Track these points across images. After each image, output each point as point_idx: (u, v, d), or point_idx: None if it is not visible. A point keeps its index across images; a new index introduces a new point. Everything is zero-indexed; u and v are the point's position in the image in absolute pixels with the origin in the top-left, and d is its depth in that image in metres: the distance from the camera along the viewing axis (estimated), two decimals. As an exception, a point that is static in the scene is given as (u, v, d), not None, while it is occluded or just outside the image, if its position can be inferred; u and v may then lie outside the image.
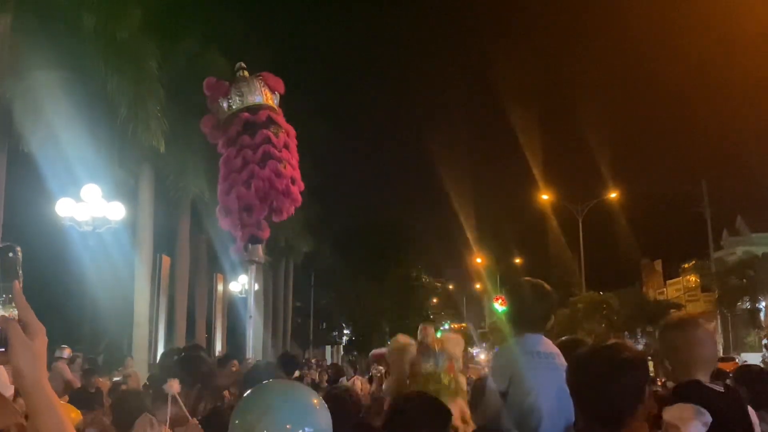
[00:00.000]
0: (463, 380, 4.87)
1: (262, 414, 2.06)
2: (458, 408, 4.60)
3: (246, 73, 6.17)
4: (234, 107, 5.96)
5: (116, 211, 14.47)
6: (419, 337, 4.85)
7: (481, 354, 37.63)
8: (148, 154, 16.50)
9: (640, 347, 36.10)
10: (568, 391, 3.80)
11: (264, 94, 6.18)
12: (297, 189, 5.93)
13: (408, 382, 4.74)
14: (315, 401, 2.16)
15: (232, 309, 27.71)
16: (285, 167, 5.80)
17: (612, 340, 2.92)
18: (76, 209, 13.90)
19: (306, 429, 2.04)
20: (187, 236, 21.61)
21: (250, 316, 6.03)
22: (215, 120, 6.05)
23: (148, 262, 18.40)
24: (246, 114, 5.93)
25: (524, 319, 3.96)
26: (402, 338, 4.88)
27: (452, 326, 58.86)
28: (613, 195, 39.24)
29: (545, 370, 3.77)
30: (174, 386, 2.93)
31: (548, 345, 3.95)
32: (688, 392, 2.83)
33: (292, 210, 5.98)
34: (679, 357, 3.03)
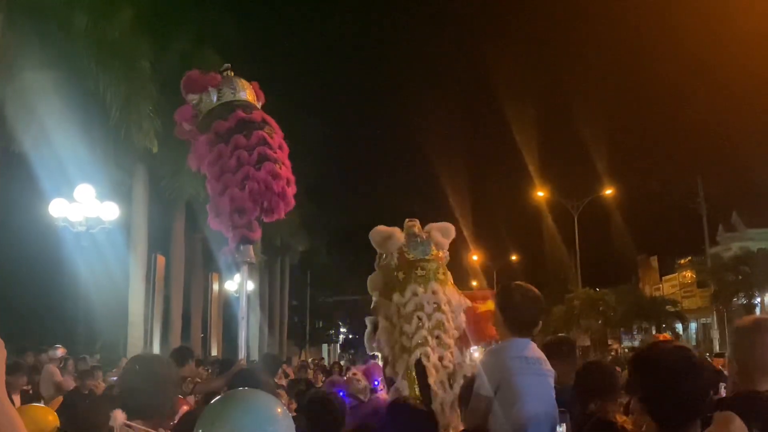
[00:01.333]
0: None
1: (223, 425, 2.07)
2: (447, 295, 4.58)
3: (232, 73, 6.08)
4: (223, 99, 5.83)
5: (110, 212, 14.44)
6: (405, 227, 4.67)
7: (476, 352, 37.57)
8: (141, 154, 16.43)
9: (636, 344, 36.18)
10: (553, 396, 3.85)
11: (250, 95, 6.09)
12: (291, 191, 5.82)
13: (395, 272, 4.60)
14: (278, 410, 2.17)
15: (228, 308, 27.68)
16: (281, 168, 5.69)
17: (676, 343, 2.89)
18: (70, 210, 13.87)
19: None
20: (182, 236, 21.55)
21: (242, 318, 5.94)
22: (193, 111, 5.91)
23: (142, 261, 18.35)
24: (241, 113, 5.80)
25: (513, 323, 3.91)
26: (383, 227, 4.76)
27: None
28: (609, 192, 39.23)
29: (533, 376, 3.77)
30: (119, 417, 2.91)
31: (535, 350, 3.94)
32: (744, 403, 2.68)
33: (284, 213, 5.86)
34: (745, 360, 2.87)
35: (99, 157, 14.92)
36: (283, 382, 10.82)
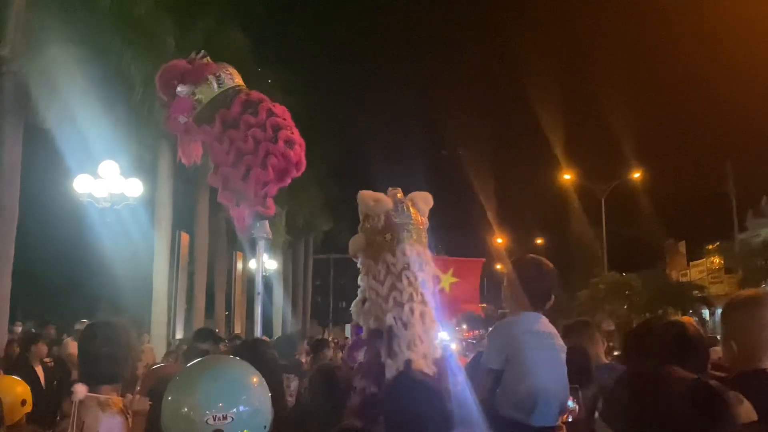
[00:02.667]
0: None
1: (190, 392, 2.00)
2: (420, 252, 4.62)
3: (209, 59, 5.95)
4: (225, 86, 5.74)
5: (134, 188, 14.49)
6: (389, 194, 4.77)
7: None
8: (165, 131, 16.41)
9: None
10: (565, 372, 3.73)
11: (239, 79, 6.02)
12: (303, 153, 5.78)
13: (384, 234, 4.66)
14: (253, 379, 2.10)
15: (252, 287, 27.65)
16: (293, 132, 5.63)
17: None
18: (94, 186, 13.93)
19: (240, 408, 1.99)
20: (206, 214, 21.66)
21: (259, 293, 5.93)
22: (193, 103, 5.81)
23: (167, 239, 18.47)
24: (243, 96, 5.73)
25: (525, 296, 3.84)
26: (371, 192, 4.79)
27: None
28: (637, 175, 38.76)
29: (543, 350, 3.68)
30: (80, 390, 2.84)
31: (547, 325, 3.84)
32: (751, 382, 2.52)
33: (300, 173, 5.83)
34: (745, 339, 2.72)
35: (123, 133, 14.96)
36: (305, 359, 10.87)
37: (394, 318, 4.52)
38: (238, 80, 5.94)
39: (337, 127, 33.49)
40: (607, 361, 4.94)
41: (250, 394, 2.07)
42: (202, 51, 6.10)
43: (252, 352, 3.50)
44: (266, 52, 21.91)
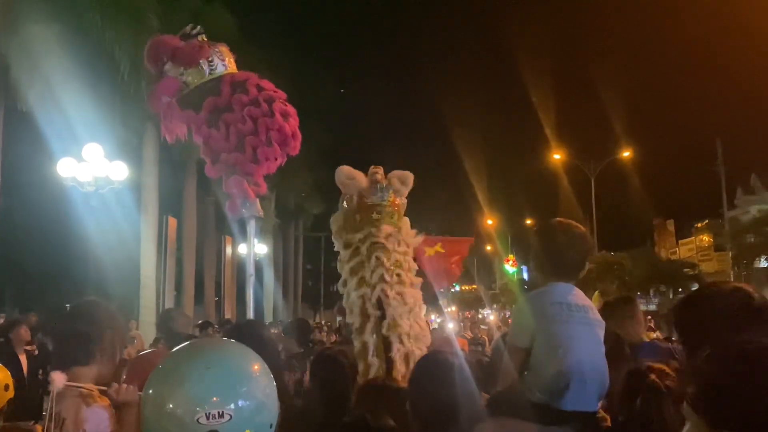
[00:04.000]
0: (406, 222, 4.75)
1: (177, 384, 1.62)
2: (405, 236, 4.61)
3: (204, 37, 5.72)
4: (216, 72, 5.53)
5: (119, 171, 14.13)
6: (369, 173, 4.68)
7: (491, 315, 37.49)
8: (151, 113, 16.07)
9: (653, 307, 35.93)
10: (602, 350, 3.29)
11: (231, 64, 5.80)
12: (296, 124, 5.64)
13: (354, 215, 4.64)
14: (255, 366, 1.73)
15: (242, 272, 27.40)
16: (285, 105, 5.48)
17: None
18: (78, 169, 13.58)
19: (240, 403, 1.63)
20: (194, 197, 21.35)
21: (251, 275, 5.72)
22: (180, 85, 5.56)
23: (154, 223, 18.15)
24: (229, 78, 5.54)
25: (554, 265, 3.41)
26: (348, 168, 4.69)
27: (462, 288, 58.84)
28: (626, 154, 38.64)
29: (577, 324, 3.23)
30: (58, 380, 2.50)
31: (581, 296, 3.39)
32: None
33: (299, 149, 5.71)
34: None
35: (107, 115, 14.60)
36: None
37: (363, 297, 4.45)
38: (230, 65, 5.70)
39: (328, 107, 33.04)
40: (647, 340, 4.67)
41: (253, 385, 1.69)
42: (198, 27, 5.84)
43: (247, 334, 3.20)
44: (254, 31, 21.50)
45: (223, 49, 5.72)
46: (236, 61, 5.84)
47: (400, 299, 4.41)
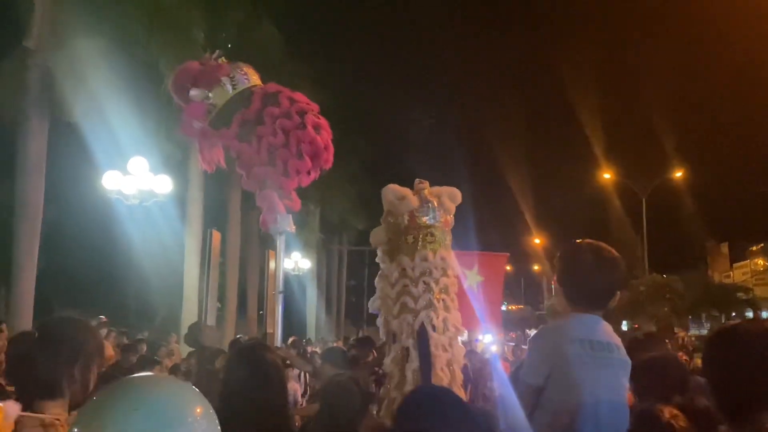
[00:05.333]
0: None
1: (100, 427, 1.40)
2: (452, 262, 4.44)
3: (225, 59, 5.66)
4: (239, 87, 5.44)
5: (164, 185, 14.21)
6: (416, 188, 4.50)
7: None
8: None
9: (705, 332, 34.96)
10: (625, 397, 2.99)
11: (255, 78, 5.72)
12: (329, 136, 5.52)
13: (404, 235, 4.43)
14: (195, 410, 1.48)
15: (286, 286, 27.43)
16: (318, 117, 5.36)
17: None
18: (123, 182, 13.69)
19: None
20: (238, 211, 21.41)
21: (280, 291, 5.58)
22: (207, 107, 5.49)
23: (197, 236, 18.19)
24: (259, 91, 5.45)
25: (579, 293, 3.05)
26: (397, 186, 4.52)
27: (510, 308, 58.19)
28: (679, 174, 37.82)
29: (597, 367, 2.90)
30: (11, 410, 2.23)
31: (607, 332, 3.05)
32: None
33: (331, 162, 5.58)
34: None
35: (152, 129, 14.70)
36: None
37: (403, 324, 4.27)
38: (255, 79, 5.62)
39: (371, 121, 33.02)
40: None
41: (185, 429, 1.45)
42: (217, 51, 5.80)
43: (249, 359, 3.02)
44: (298, 45, 21.57)
45: (246, 68, 5.65)
46: (278, 74, 5.76)
47: (443, 327, 4.24)
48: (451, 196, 4.57)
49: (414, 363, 4.10)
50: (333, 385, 3.48)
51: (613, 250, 3.15)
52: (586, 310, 3.04)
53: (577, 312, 3.05)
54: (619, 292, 3.13)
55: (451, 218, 4.55)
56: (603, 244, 3.18)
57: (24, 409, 2.21)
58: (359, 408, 3.31)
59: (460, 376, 4.24)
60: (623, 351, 3.05)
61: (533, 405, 2.93)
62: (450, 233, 4.54)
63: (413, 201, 4.43)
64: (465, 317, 4.65)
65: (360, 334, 39.00)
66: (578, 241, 3.25)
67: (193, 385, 1.64)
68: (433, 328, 4.19)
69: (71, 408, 2.39)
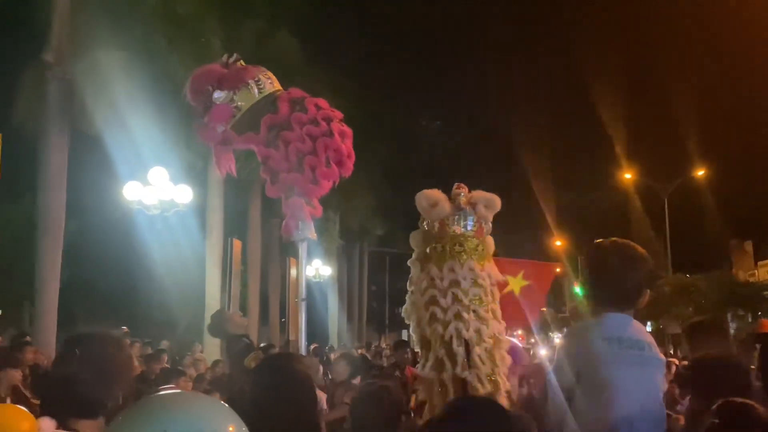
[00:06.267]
0: (490, 243, 4.34)
1: None
2: (486, 269, 4.17)
3: (243, 63, 5.56)
4: (265, 91, 5.34)
5: (184, 194, 14.23)
6: (452, 194, 4.30)
7: (559, 339, 36.67)
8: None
9: (731, 331, 34.56)
10: (660, 396, 2.89)
11: (277, 83, 5.62)
12: (351, 142, 5.43)
13: (435, 243, 4.24)
14: (228, 429, 1.38)
15: (307, 294, 27.34)
16: (342, 124, 5.28)
17: None
18: (144, 193, 13.72)
19: None
20: (258, 220, 21.43)
21: (303, 299, 5.48)
22: (232, 110, 5.40)
23: (218, 245, 18.21)
24: (284, 95, 5.36)
25: (607, 293, 3.00)
26: (431, 192, 4.29)
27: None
28: (701, 173, 37.45)
29: (629, 365, 2.82)
30: (46, 427, 2.16)
31: (638, 330, 2.98)
32: None
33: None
34: None
35: (172, 139, 14.73)
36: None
37: (435, 333, 4.09)
38: (277, 85, 5.55)
39: (391, 128, 32.92)
40: None
41: None
42: (235, 54, 5.72)
43: (277, 368, 2.94)
44: (316, 53, 21.54)
45: (269, 74, 5.59)
46: (297, 82, 5.68)
47: (477, 338, 4.05)
48: (488, 204, 4.37)
49: (449, 371, 3.96)
50: (364, 395, 3.33)
51: (641, 248, 3.10)
52: (616, 310, 2.98)
53: (606, 311, 2.99)
54: (648, 291, 3.05)
55: (487, 227, 4.35)
56: (630, 243, 3.15)
57: (58, 427, 2.16)
58: (391, 419, 3.15)
59: (506, 385, 4.05)
60: (656, 349, 2.99)
61: (566, 407, 2.85)
62: (486, 242, 4.35)
63: (446, 208, 4.26)
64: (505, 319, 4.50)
65: (382, 340, 38.98)
66: (605, 240, 3.22)
67: (227, 384, 1.55)
68: (464, 341, 4.02)
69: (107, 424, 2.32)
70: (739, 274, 46.79)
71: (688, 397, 5.93)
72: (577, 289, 48.97)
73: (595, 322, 3.01)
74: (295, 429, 2.75)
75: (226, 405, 1.48)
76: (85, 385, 2.29)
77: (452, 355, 3.99)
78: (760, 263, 48.25)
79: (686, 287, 36.31)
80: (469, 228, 4.25)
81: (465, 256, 4.19)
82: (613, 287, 2.98)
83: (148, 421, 1.36)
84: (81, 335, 2.50)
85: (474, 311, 4.10)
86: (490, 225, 4.39)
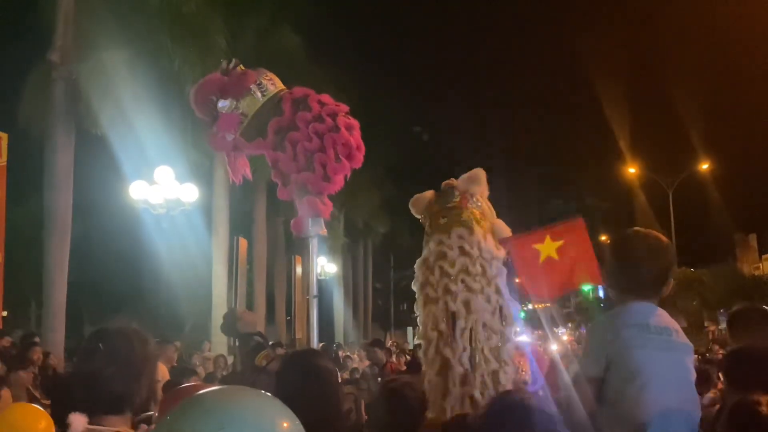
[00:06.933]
0: (486, 210, 4.33)
1: None
2: (478, 238, 4.11)
3: (242, 67, 5.52)
4: (268, 94, 5.30)
5: (190, 193, 14.22)
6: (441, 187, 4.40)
7: (564, 335, 36.64)
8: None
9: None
10: (692, 381, 2.86)
11: (279, 83, 5.57)
12: (359, 134, 5.39)
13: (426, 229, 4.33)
14: (284, 425, 1.35)
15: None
16: (348, 117, 5.24)
17: None
18: (150, 192, 13.71)
19: None
20: (263, 218, 21.41)
21: (315, 296, 5.45)
22: (239, 117, 5.37)
23: (224, 244, 18.21)
24: (287, 95, 5.31)
25: (631, 282, 2.96)
26: (418, 196, 4.46)
27: (536, 306, 57.82)
28: (705, 166, 37.38)
29: (659, 350, 2.79)
30: (77, 423, 2.16)
31: (664, 317, 2.95)
32: None
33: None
34: None
35: (178, 138, 14.72)
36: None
37: (430, 315, 4.09)
38: (279, 85, 5.52)
39: (394, 126, 32.87)
40: None
41: None
42: (233, 60, 5.69)
43: (300, 365, 2.92)
44: (320, 50, 21.51)
45: (270, 74, 5.55)
46: (301, 80, 5.65)
47: (464, 311, 3.99)
48: (470, 178, 4.42)
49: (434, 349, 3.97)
50: (387, 392, 3.27)
51: (664, 237, 3.09)
52: (641, 299, 2.96)
53: (631, 300, 2.97)
54: (672, 279, 3.06)
55: (473, 199, 4.32)
56: (653, 232, 3.12)
57: (89, 423, 2.16)
58: (417, 417, 3.10)
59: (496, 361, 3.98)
60: (682, 335, 2.97)
61: (594, 400, 2.79)
62: (476, 214, 4.27)
63: (425, 196, 4.38)
64: (550, 287, 4.32)
65: (387, 337, 38.96)
66: (629, 230, 3.19)
67: (239, 382, 1.52)
68: (452, 315, 4.00)
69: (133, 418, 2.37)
70: (744, 268, 46.72)
71: (709, 393, 5.88)
72: (582, 285, 49.17)
73: (620, 310, 2.98)
74: (321, 427, 2.74)
75: (280, 401, 1.46)
76: (111, 381, 2.26)
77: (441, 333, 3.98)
78: (764, 256, 48.16)
79: (691, 281, 36.27)
80: (449, 202, 4.27)
81: (450, 225, 4.19)
82: (637, 276, 2.97)
83: (204, 417, 1.31)
84: (104, 330, 2.45)
85: (462, 281, 4.06)
86: (478, 199, 4.36)
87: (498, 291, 4.13)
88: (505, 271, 4.24)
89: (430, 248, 4.23)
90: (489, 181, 4.54)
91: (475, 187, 4.37)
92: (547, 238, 4.28)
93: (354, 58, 29.97)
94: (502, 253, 4.28)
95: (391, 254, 43.60)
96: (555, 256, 4.21)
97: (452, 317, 4.00)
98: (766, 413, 2.54)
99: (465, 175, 4.44)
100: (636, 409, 2.70)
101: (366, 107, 23.39)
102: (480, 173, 4.43)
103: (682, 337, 2.96)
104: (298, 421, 1.40)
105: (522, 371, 4.31)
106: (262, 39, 16.99)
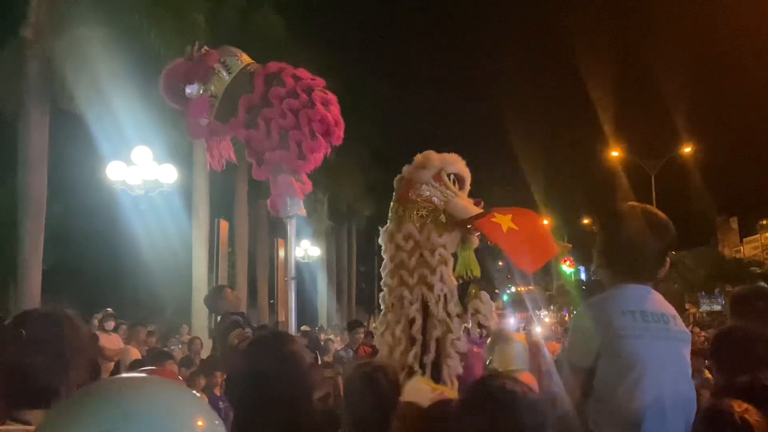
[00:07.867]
0: (440, 194, 4.41)
1: None
2: (416, 230, 4.27)
3: (206, 49, 5.32)
4: (234, 70, 5.11)
5: (169, 174, 13.97)
6: None
7: (546, 318, 36.75)
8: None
9: (717, 307, 34.79)
10: (688, 371, 2.67)
11: (246, 56, 5.39)
12: (338, 111, 5.23)
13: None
14: (197, 423, 1.12)
15: (297, 275, 27.15)
16: (326, 93, 5.06)
17: None
18: (128, 172, 13.46)
19: None
20: (245, 200, 21.19)
21: (293, 277, 5.34)
22: (209, 101, 5.17)
23: (205, 226, 17.97)
24: (260, 71, 5.13)
25: (625, 262, 2.73)
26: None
27: (518, 289, 58.02)
28: (687, 150, 37.53)
29: (654, 339, 2.56)
30: None
31: (660, 302, 2.73)
32: None
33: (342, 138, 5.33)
34: None
35: (157, 118, 14.43)
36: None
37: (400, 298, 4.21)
38: (246, 59, 5.31)
39: (380, 108, 32.65)
40: None
41: None
42: (197, 43, 5.50)
43: (272, 349, 2.78)
44: (302, 30, 21.21)
45: (234, 49, 5.34)
46: (285, 61, 5.43)
47: (442, 302, 4.06)
48: (415, 165, 4.48)
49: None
50: (357, 377, 3.06)
51: (662, 214, 2.88)
52: (635, 281, 2.74)
53: (624, 282, 2.75)
54: (669, 260, 2.83)
55: (415, 183, 4.36)
56: (651, 207, 2.93)
57: (7, 417, 1.94)
58: (390, 403, 2.90)
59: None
60: (680, 321, 2.76)
61: (582, 391, 2.60)
62: (413, 198, 4.34)
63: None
64: (531, 256, 4.26)
65: (371, 320, 38.90)
66: (624, 204, 2.95)
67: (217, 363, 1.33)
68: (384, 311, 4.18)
69: None
70: (725, 251, 47.19)
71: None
72: (564, 268, 49.22)
73: (611, 294, 2.75)
74: (288, 413, 2.59)
75: (196, 394, 1.26)
76: (35, 372, 2.02)
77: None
78: (745, 240, 48.64)
79: (673, 263, 36.39)
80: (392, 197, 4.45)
81: (390, 222, 4.44)
82: (632, 256, 2.74)
83: (94, 412, 1.09)
84: (29, 314, 2.21)
85: (399, 277, 4.23)
86: (424, 186, 4.34)
87: (443, 279, 4.11)
88: (452, 260, 4.22)
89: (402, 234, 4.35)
90: (468, 163, 4.46)
91: (421, 173, 4.32)
92: (497, 214, 4.24)
93: (338, 39, 29.74)
94: (453, 237, 4.25)
95: (375, 238, 43.31)
96: (513, 226, 4.13)
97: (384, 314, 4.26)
98: (738, 420, 2.38)
99: (413, 163, 4.47)
100: (629, 404, 2.50)
101: (350, 88, 23.16)
102: (426, 156, 4.41)
103: (680, 324, 2.74)
104: (218, 420, 1.20)
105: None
106: (243, 18, 16.70)
